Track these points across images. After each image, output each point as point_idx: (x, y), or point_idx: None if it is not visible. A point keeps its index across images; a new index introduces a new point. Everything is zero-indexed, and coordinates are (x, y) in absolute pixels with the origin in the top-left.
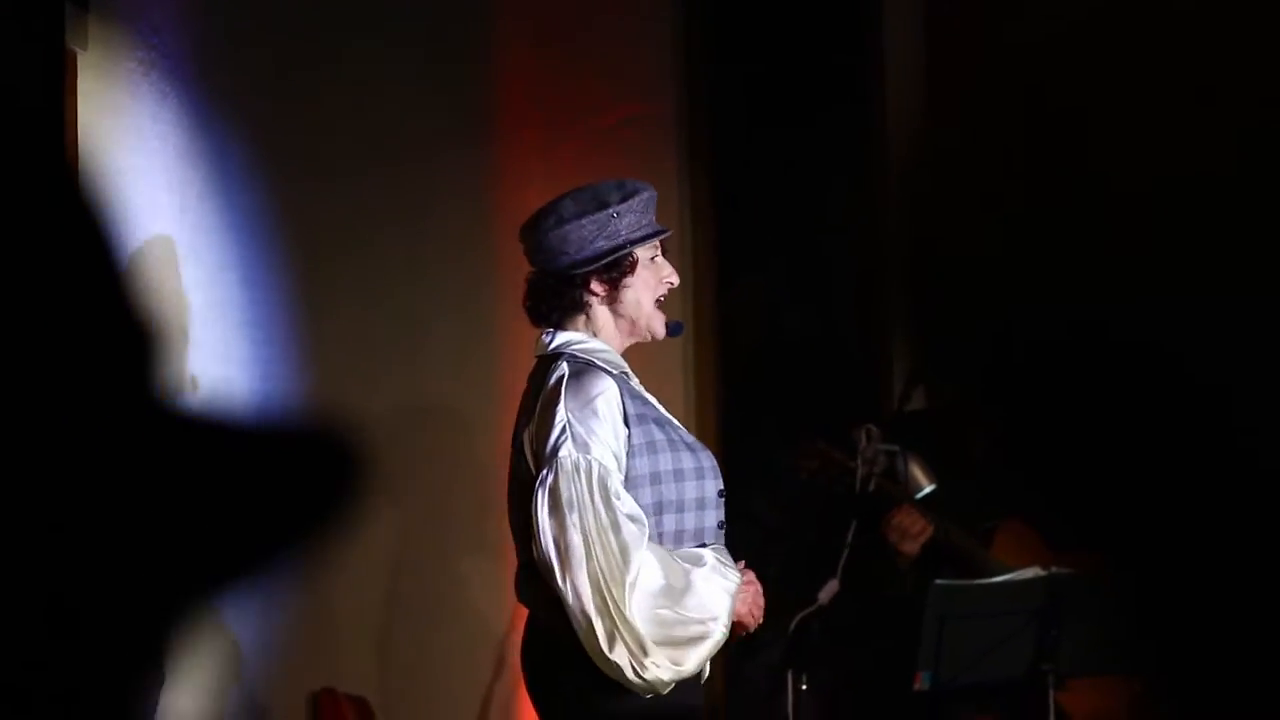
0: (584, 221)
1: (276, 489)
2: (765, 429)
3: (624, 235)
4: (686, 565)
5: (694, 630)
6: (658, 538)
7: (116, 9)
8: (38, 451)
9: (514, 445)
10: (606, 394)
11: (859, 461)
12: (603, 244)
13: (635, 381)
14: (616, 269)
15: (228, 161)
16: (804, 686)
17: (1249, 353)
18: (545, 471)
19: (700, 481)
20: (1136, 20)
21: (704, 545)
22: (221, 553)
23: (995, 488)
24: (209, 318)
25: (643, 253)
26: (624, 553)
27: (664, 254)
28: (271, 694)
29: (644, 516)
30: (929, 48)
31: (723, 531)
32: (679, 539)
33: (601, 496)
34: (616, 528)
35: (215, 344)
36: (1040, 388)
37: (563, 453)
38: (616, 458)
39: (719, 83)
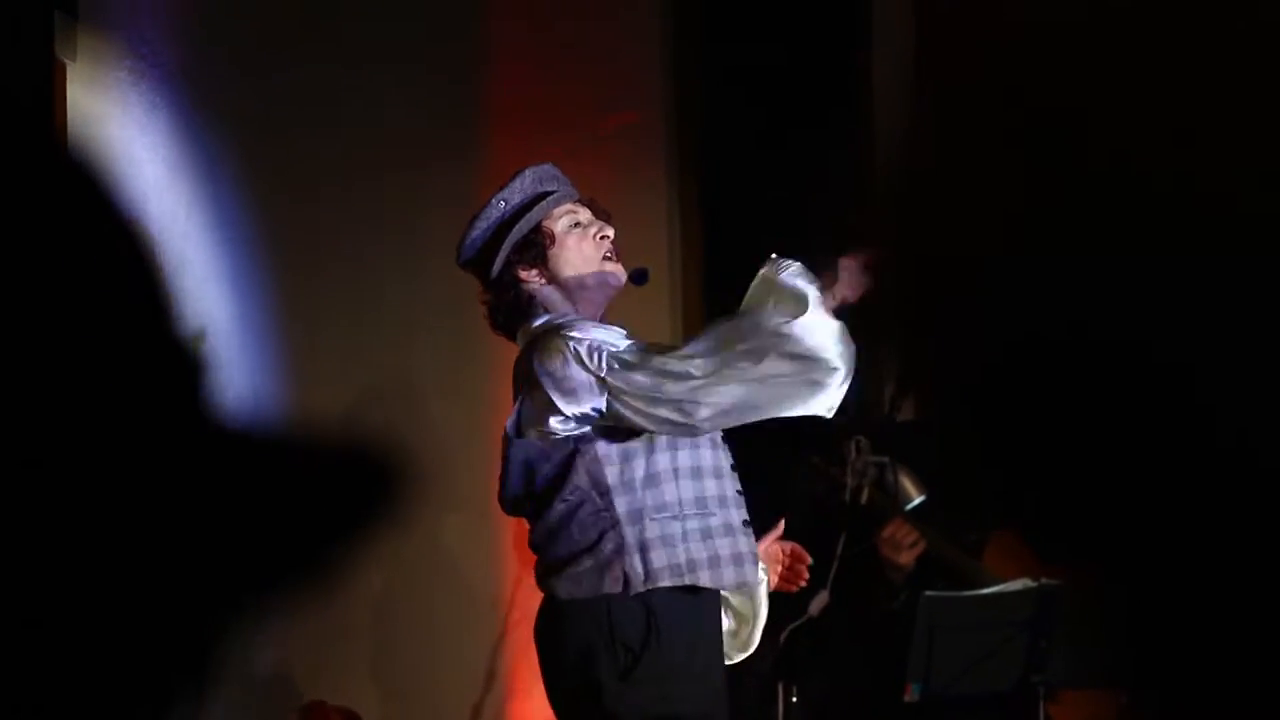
0: (475, 227)
1: (264, 501)
2: (753, 439)
3: (511, 214)
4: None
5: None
6: (674, 473)
7: (106, 19)
8: (30, 464)
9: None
10: (596, 328)
11: (849, 473)
12: (501, 232)
13: None
14: (530, 248)
15: (217, 172)
16: (794, 698)
17: (1247, 364)
18: (594, 382)
19: (715, 450)
20: (1133, 14)
21: (722, 480)
22: (210, 565)
23: (985, 499)
24: (198, 326)
25: (556, 223)
26: (702, 375)
27: (607, 218)
28: (261, 707)
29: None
30: (918, 56)
31: (735, 472)
32: (697, 474)
33: (642, 367)
34: (668, 374)
35: (205, 353)
36: (1031, 395)
37: (591, 364)
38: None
39: (708, 91)
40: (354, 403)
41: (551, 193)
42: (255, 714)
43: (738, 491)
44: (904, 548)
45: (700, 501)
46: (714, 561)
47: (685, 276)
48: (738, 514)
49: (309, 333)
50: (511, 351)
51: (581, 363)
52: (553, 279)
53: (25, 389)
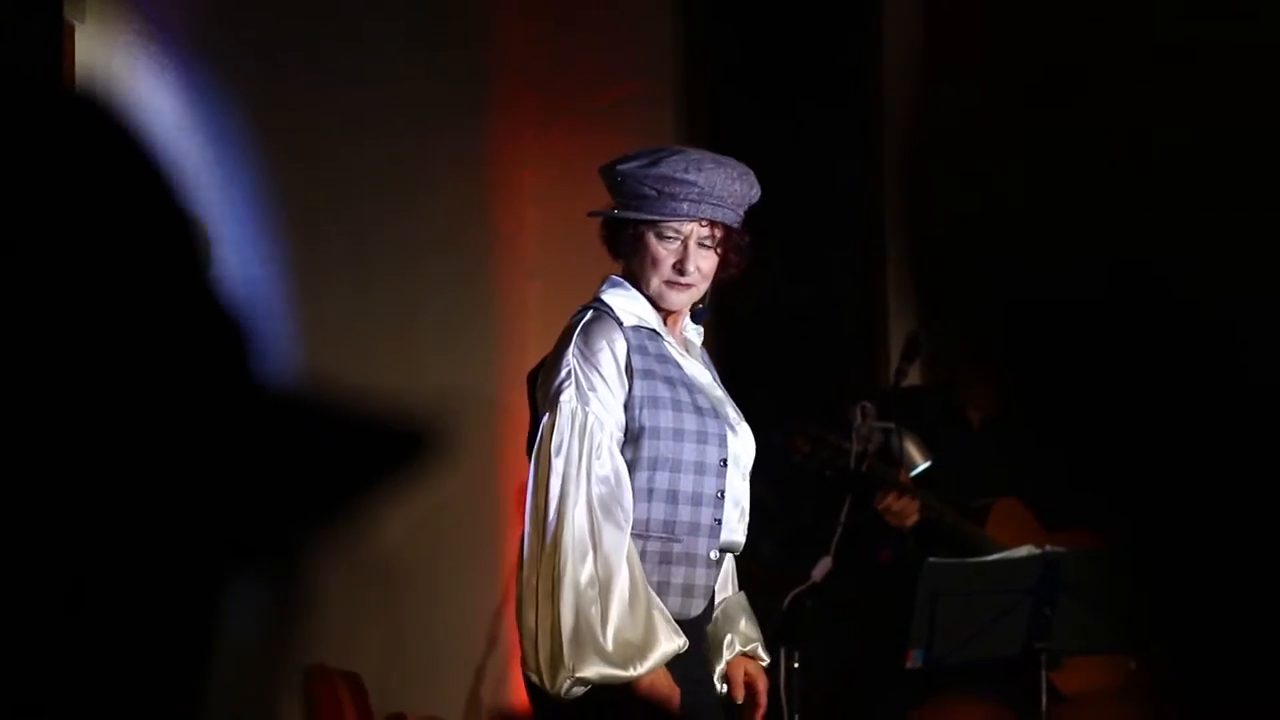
0: (610, 171)
1: (268, 469)
2: (759, 406)
3: (620, 205)
4: (650, 592)
5: (618, 649)
6: (648, 493)
7: None
8: (36, 439)
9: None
10: (613, 345)
11: (854, 439)
12: (614, 201)
13: (668, 339)
14: (619, 234)
15: (225, 134)
16: (796, 664)
17: (1261, 324)
18: (545, 415)
19: (701, 445)
20: None
21: (700, 508)
22: (212, 531)
23: (991, 464)
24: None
25: (651, 231)
26: (592, 518)
27: (718, 244)
28: (263, 670)
29: (622, 478)
30: (928, 20)
31: (724, 500)
32: (673, 498)
33: (587, 450)
34: (589, 485)
35: (209, 320)
36: (1038, 359)
37: (564, 398)
38: (613, 412)
39: (716, 61)
40: (359, 367)
41: (665, 206)
42: (258, 678)
43: (716, 520)
44: (906, 516)
45: (668, 525)
46: (662, 588)
47: None
48: (707, 544)
49: (315, 295)
50: (515, 326)
51: (557, 386)
52: (626, 264)
53: (31, 351)
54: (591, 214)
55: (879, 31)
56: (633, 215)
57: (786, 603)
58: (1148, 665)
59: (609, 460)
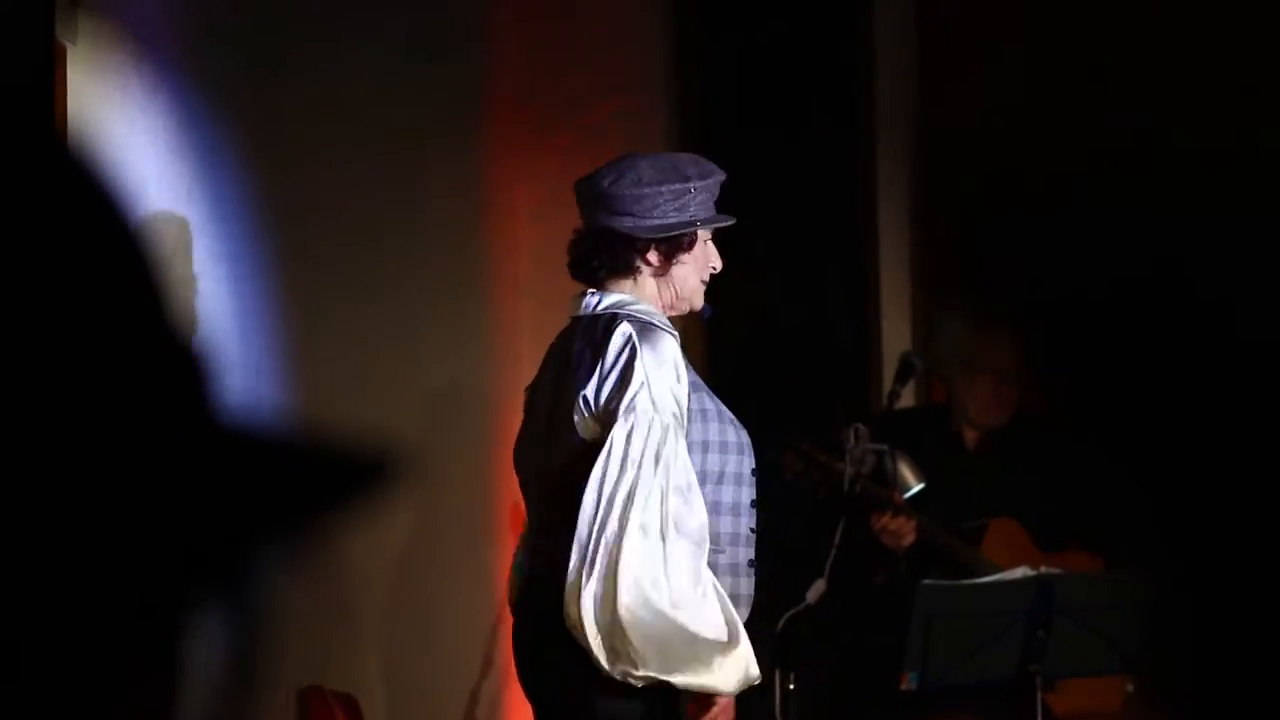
0: (663, 189)
1: (264, 485)
2: (752, 427)
3: (692, 213)
4: (721, 592)
5: (691, 637)
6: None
7: (107, 2)
8: (29, 450)
9: (556, 410)
10: (676, 355)
11: (847, 461)
12: (674, 217)
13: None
14: (677, 244)
15: (219, 156)
16: (791, 686)
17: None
18: (619, 423)
19: (740, 456)
20: None
21: (739, 519)
22: (207, 550)
23: (985, 486)
24: (199, 312)
25: (702, 233)
26: (664, 528)
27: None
28: (258, 691)
29: (694, 486)
30: (920, 36)
31: (755, 509)
32: (716, 509)
33: (665, 458)
34: (663, 497)
35: (205, 339)
36: (1042, 359)
37: (641, 407)
38: (680, 419)
39: (708, 76)
40: (353, 387)
41: (718, 198)
42: (253, 698)
43: (751, 529)
44: (902, 537)
45: (714, 538)
46: None
47: None
48: (745, 553)
49: (308, 316)
50: (511, 341)
51: (632, 397)
52: (662, 274)
53: (16, 379)
54: (663, 230)
55: (872, 46)
56: (713, 220)
57: (780, 625)
58: (1145, 687)
59: (684, 471)
